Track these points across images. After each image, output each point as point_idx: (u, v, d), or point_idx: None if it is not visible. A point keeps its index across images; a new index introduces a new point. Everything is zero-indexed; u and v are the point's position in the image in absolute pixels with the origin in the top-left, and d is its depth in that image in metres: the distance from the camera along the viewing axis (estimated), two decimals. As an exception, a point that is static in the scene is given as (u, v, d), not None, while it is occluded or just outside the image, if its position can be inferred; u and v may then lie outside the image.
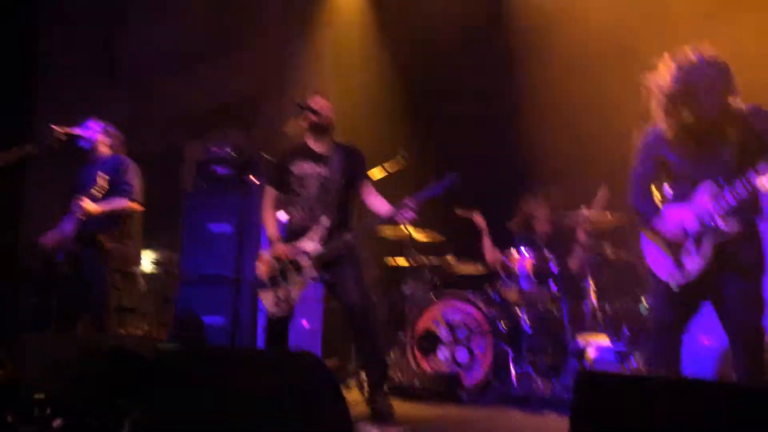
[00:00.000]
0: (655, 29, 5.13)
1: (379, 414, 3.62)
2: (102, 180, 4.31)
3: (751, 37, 4.53)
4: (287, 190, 4.11)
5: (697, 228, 2.87)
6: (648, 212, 3.06)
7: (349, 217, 4.07)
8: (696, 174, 2.91)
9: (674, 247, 2.93)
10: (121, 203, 4.43)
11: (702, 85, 2.79)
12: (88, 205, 4.29)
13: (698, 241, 2.86)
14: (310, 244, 3.86)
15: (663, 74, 2.90)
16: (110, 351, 3.05)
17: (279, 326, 3.92)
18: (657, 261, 3.03)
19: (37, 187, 6.24)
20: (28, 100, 7.00)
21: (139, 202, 4.52)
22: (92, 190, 4.30)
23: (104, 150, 4.65)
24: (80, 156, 4.69)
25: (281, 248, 3.94)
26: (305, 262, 3.86)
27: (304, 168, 4.06)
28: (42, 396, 3.18)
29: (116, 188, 4.43)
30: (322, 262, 3.84)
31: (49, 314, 4.61)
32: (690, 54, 2.85)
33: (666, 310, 3.01)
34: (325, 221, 3.85)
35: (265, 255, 3.98)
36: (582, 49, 5.54)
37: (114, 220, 4.46)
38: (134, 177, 4.54)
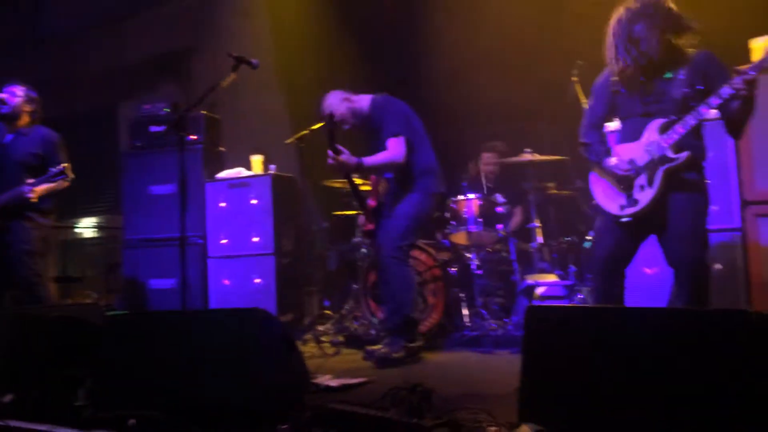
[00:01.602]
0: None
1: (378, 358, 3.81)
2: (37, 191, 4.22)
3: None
4: None
5: (647, 160, 2.93)
6: (599, 151, 3.13)
7: (405, 172, 4.07)
8: (645, 110, 2.97)
9: (626, 184, 3.00)
10: (60, 184, 4.36)
11: (647, 23, 2.87)
12: (40, 189, 4.24)
13: (650, 174, 2.92)
14: None
15: (613, 16, 2.99)
16: (57, 321, 2.97)
17: None
18: (607, 197, 3.08)
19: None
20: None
21: (68, 180, 4.47)
22: (31, 191, 4.20)
23: (26, 117, 4.49)
24: None
25: None
26: None
27: None
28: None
29: (50, 166, 4.33)
30: None
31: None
32: (634, 3, 2.94)
33: (613, 244, 3.06)
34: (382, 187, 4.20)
35: None
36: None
37: (47, 199, 4.42)
38: (65, 155, 4.49)
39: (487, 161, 5.59)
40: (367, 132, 4.24)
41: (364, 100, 4.25)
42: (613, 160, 3.05)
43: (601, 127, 3.24)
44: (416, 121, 4.19)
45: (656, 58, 2.89)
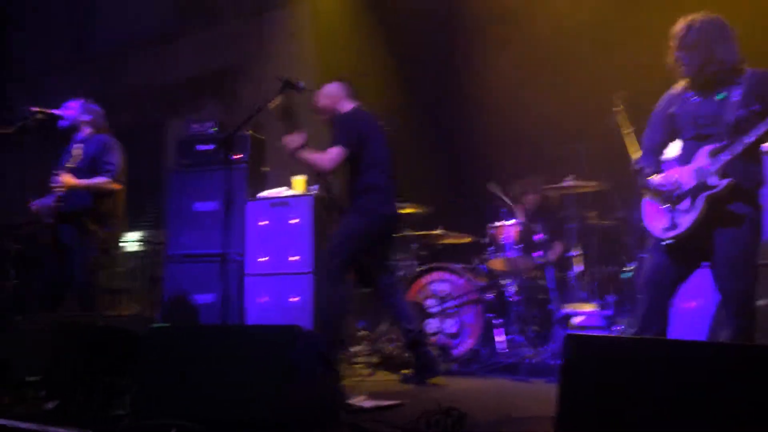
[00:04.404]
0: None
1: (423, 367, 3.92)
2: (77, 151, 4.33)
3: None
4: None
5: (693, 184, 2.90)
6: (649, 174, 3.10)
7: (350, 191, 4.10)
8: (698, 133, 2.95)
9: (670, 204, 2.97)
10: (101, 180, 4.45)
11: (708, 42, 2.88)
12: (66, 178, 4.32)
13: (694, 197, 2.89)
14: None
15: (674, 32, 2.99)
16: (102, 330, 3.05)
17: None
18: (653, 219, 3.06)
19: (13, 169, 6.17)
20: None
21: (119, 182, 4.53)
22: (67, 164, 4.32)
23: (86, 129, 4.65)
24: (62, 136, 4.68)
25: None
26: None
27: None
28: (36, 378, 3.19)
29: (98, 167, 4.45)
30: None
31: (30, 296, 4.62)
32: (699, 15, 2.95)
33: (657, 266, 3.04)
34: None
35: None
36: (561, 24, 5.53)
37: (97, 199, 4.47)
38: (117, 156, 4.57)
39: (528, 197, 5.56)
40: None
41: (344, 108, 4.19)
42: (657, 178, 3.04)
43: (658, 152, 3.16)
44: (377, 143, 4.09)
45: (718, 76, 2.88)
